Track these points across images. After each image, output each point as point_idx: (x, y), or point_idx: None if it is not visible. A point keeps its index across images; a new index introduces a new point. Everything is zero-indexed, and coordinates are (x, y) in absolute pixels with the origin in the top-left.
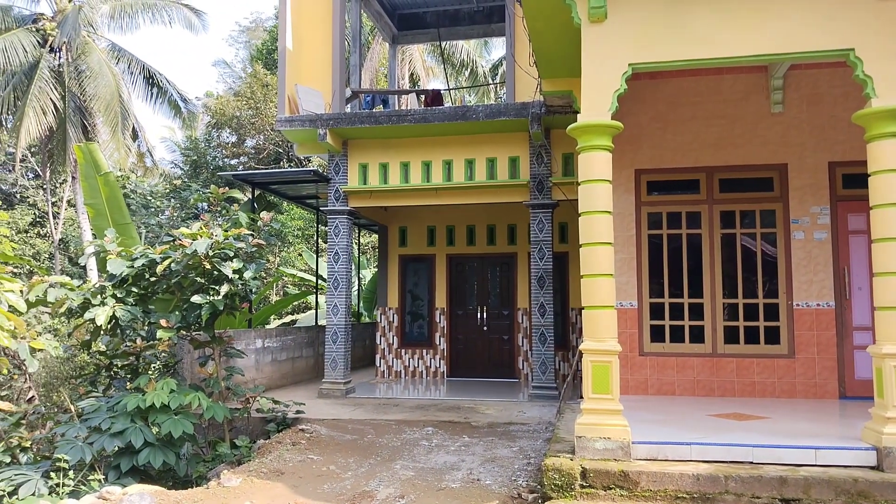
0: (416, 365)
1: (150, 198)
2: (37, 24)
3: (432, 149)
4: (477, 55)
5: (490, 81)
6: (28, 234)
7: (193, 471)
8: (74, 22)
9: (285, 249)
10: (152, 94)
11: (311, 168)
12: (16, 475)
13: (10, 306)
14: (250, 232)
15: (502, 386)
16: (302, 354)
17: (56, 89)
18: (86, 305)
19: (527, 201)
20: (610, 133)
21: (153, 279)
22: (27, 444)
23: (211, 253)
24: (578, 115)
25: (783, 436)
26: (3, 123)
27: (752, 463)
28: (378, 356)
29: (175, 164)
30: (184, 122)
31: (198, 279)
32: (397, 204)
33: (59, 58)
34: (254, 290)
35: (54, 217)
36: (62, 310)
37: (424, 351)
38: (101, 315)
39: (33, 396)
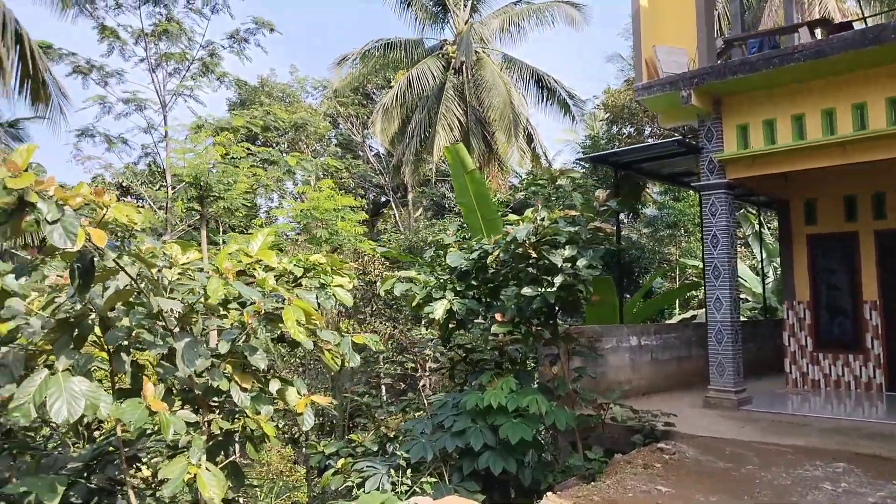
0: (840, 373)
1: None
2: (441, 50)
3: (834, 92)
4: None
5: None
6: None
7: (543, 481)
8: (469, 41)
9: (686, 239)
10: (542, 96)
11: (675, 138)
12: (367, 467)
13: (337, 301)
14: (586, 214)
15: None
16: (690, 354)
17: (459, 106)
18: (429, 299)
19: None
20: None
21: (492, 271)
22: (391, 435)
23: (533, 239)
24: None
25: None
26: (424, 143)
27: None
28: (787, 360)
29: (578, 164)
30: (573, 119)
31: (529, 269)
32: (788, 169)
33: (460, 76)
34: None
35: None
36: (413, 304)
37: (850, 356)
38: (438, 309)
39: (424, 385)
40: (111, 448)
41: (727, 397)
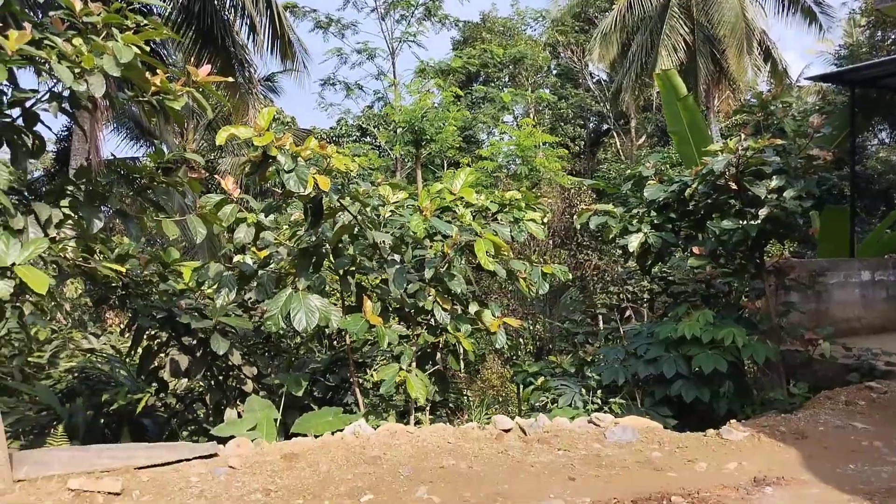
0: None
1: (795, 116)
2: None
3: None
4: None
5: None
6: None
7: (739, 412)
8: None
9: None
10: (783, 5)
11: None
12: (561, 385)
13: (529, 234)
14: (799, 140)
15: None
16: None
17: (685, 24)
18: (625, 232)
19: None
20: None
21: (692, 204)
22: (588, 359)
23: (733, 171)
24: None
25: None
26: (645, 67)
27: None
28: None
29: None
30: (820, 28)
31: (731, 201)
32: None
33: None
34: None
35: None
36: (610, 237)
37: None
38: (633, 241)
39: (630, 315)
40: (343, 355)
41: None
